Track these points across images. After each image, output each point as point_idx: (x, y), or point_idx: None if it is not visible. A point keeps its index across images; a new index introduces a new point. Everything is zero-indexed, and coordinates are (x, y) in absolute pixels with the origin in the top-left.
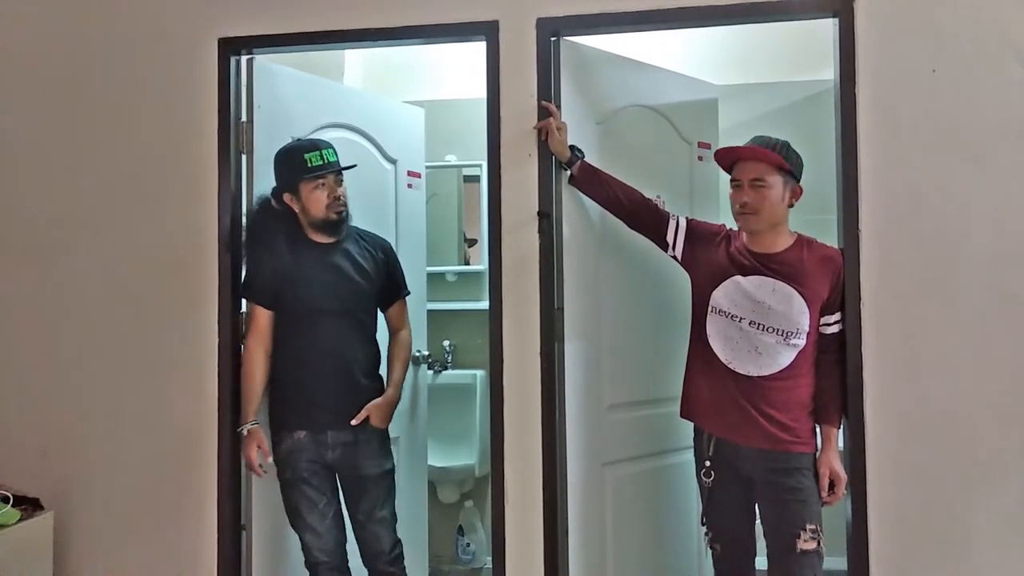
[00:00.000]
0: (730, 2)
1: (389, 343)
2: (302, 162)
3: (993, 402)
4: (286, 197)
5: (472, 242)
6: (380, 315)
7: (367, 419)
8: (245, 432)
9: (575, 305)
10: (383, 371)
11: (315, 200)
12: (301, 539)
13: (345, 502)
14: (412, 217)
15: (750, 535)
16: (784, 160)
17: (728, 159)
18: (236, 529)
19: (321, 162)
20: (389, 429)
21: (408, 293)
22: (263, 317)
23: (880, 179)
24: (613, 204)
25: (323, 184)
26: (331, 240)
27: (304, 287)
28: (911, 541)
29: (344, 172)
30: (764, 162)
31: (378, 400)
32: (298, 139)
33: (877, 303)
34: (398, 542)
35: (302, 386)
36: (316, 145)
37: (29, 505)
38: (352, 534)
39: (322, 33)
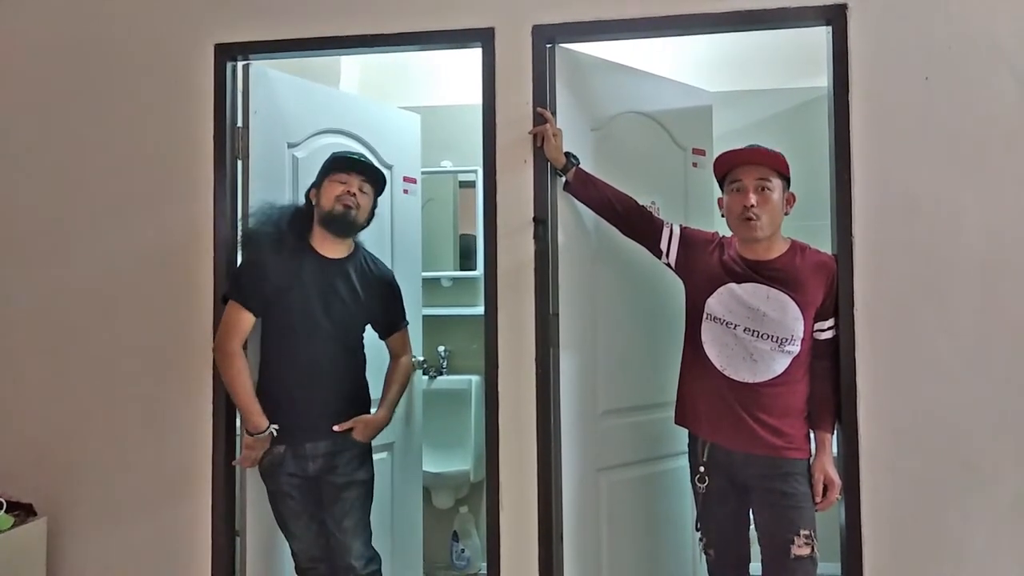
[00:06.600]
0: (724, 10)
1: (389, 367)
2: (334, 159)
3: (986, 408)
4: (311, 193)
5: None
6: (367, 332)
7: (349, 430)
8: (268, 434)
9: (570, 311)
10: (374, 389)
11: (329, 191)
12: (290, 547)
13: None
14: (408, 223)
15: (744, 541)
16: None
17: (732, 163)
18: (230, 535)
19: (350, 159)
20: (383, 434)
21: (407, 324)
22: (248, 322)
23: (873, 186)
24: (607, 210)
25: (343, 181)
26: (337, 250)
27: (300, 300)
28: (905, 547)
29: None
30: (766, 165)
31: (368, 416)
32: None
33: (870, 309)
34: (373, 558)
35: (283, 401)
36: (357, 154)
37: (22, 511)
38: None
39: (318, 39)
